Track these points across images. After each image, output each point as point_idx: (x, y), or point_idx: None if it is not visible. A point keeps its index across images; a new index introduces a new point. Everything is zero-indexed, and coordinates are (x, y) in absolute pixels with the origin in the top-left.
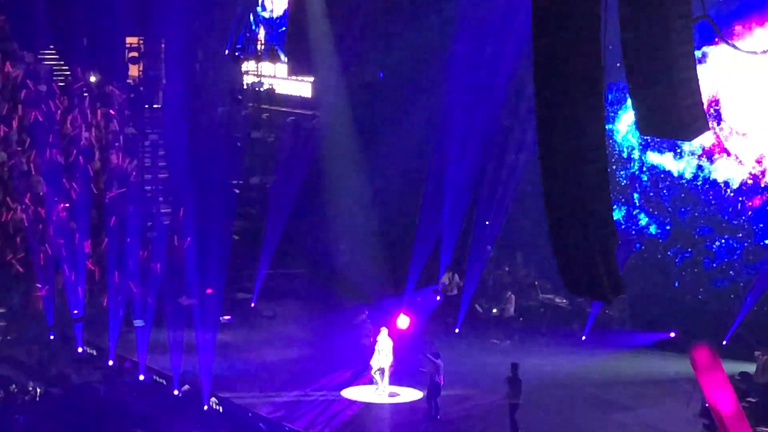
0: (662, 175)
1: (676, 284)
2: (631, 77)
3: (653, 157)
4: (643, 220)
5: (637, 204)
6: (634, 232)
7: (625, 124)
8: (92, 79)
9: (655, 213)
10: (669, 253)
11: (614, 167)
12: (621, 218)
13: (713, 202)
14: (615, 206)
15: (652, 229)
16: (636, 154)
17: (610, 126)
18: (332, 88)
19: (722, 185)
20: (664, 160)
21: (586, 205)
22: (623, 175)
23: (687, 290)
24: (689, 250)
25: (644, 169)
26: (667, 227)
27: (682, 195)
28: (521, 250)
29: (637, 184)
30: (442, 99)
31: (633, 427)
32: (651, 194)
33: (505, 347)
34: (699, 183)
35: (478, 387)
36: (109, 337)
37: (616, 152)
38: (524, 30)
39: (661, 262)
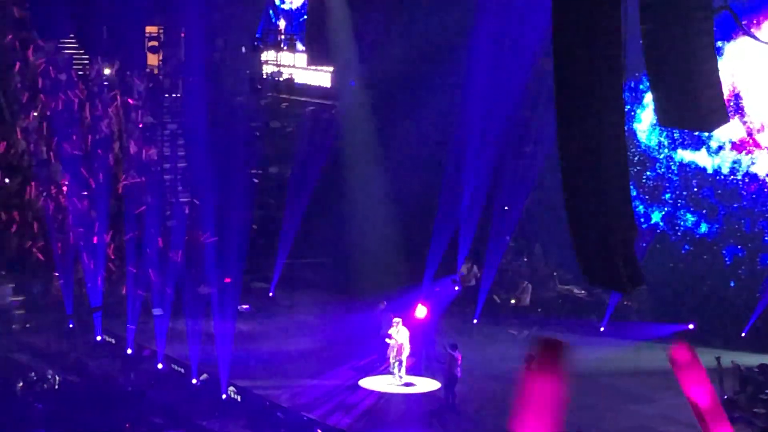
0: (696, 173)
1: (732, 284)
2: (652, 69)
3: (684, 155)
4: (689, 219)
5: (679, 204)
6: (680, 234)
7: (646, 123)
8: (106, 71)
9: (704, 211)
10: (723, 252)
11: (638, 168)
12: (660, 220)
13: (754, 196)
14: (654, 208)
15: (703, 227)
16: (664, 153)
17: (633, 126)
18: (351, 78)
19: (765, 179)
20: (697, 157)
21: (605, 196)
22: (650, 176)
23: (744, 289)
24: (739, 246)
25: (673, 168)
26: (716, 226)
27: (719, 191)
28: (540, 240)
29: (667, 184)
30: (461, 89)
31: (651, 418)
32: (684, 193)
33: (523, 338)
34: (738, 178)
35: (495, 377)
36: (128, 326)
37: (639, 152)
38: (544, 20)
39: (708, 262)
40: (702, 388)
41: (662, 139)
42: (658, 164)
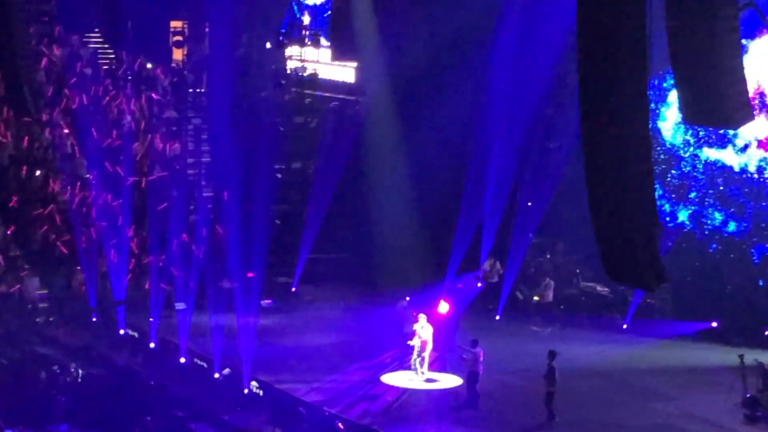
0: (722, 171)
1: (761, 283)
2: (677, 65)
3: (709, 153)
4: (717, 218)
5: (706, 203)
6: (707, 232)
7: (671, 122)
8: (149, 65)
9: (731, 210)
10: (752, 250)
11: (663, 167)
12: (686, 219)
13: None
14: (681, 207)
15: (731, 226)
16: (689, 151)
17: (657, 124)
18: (375, 74)
19: None
20: (723, 155)
21: (629, 193)
22: (675, 174)
23: None
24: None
25: (698, 166)
26: (744, 224)
27: (746, 190)
28: (563, 237)
29: (692, 183)
30: (485, 85)
31: (674, 416)
32: (710, 191)
33: (545, 335)
34: (766, 176)
35: (518, 374)
36: (151, 320)
37: (664, 150)
38: (569, 16)
39: (736, 260)
40: None
41: (688, 137)
42: (683, 163)
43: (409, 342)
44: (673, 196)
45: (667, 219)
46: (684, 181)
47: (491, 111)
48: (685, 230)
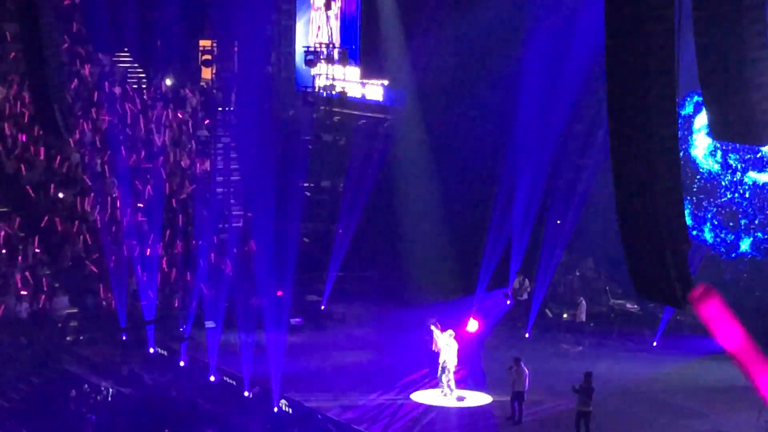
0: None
1: None
2: (705, 83)
3: (758, 177)
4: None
5: None
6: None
7: (701, 149)
8: (168, 82)
9: None
10: None
11: (701, 196)
12: (748, 248)
13: None
14: (744, 236)
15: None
16: (735, 177)
17: (690, 151)
18: (404, 91)
19: None
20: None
21: (658, 210)
22: (720, 202)
23: None
24: None
25: (744, 192)
26: None
27: None
28: (592, 254)
29: (740, 210)
30: (514, 102)
31: None
32: (760, 216)
33: (575, 353)
34: None
35: (549, 392)
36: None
37: (702, 177)
38: (597, 31)
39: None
40: (730, 330)
41: (731, 161)
42: (722, 189)
43: (438, 363)
44: (731, 224)
45: (723, 249)
46: (731, 207)
47: (520, 127)
48: (749, 257)
